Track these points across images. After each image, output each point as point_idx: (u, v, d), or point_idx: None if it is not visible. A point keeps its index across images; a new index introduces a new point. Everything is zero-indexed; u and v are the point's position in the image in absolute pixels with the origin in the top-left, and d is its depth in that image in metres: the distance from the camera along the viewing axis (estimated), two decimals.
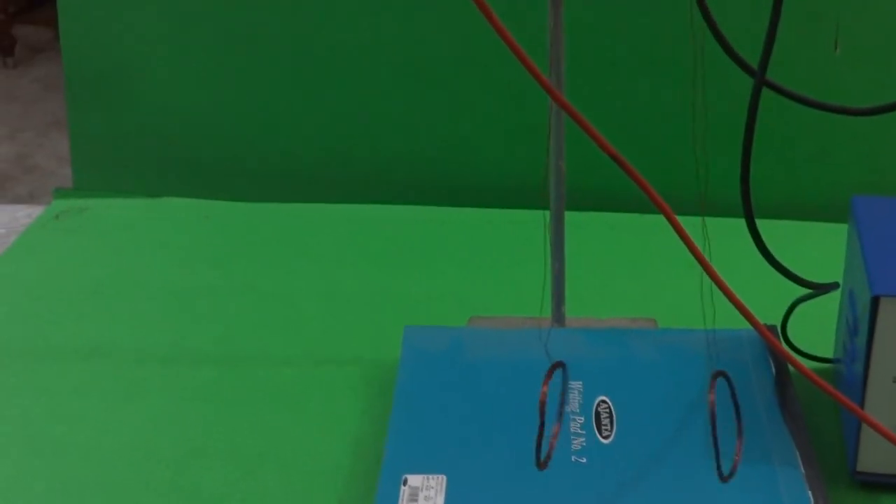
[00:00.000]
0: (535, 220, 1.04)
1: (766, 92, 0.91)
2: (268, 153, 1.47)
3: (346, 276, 1.28)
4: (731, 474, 0.84)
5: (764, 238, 0.96)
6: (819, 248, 1.11)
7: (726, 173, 0.96)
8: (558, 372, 0.87)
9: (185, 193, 1.47)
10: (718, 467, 0.84)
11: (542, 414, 0.83)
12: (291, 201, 1.45)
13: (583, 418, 0.96)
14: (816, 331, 1.07)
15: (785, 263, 0.98)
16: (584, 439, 0.94)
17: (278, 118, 1.45)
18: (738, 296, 0.81)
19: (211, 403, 1.07)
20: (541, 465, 0.84)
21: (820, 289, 0.99)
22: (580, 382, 1.00)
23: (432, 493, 0.89)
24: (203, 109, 1.46)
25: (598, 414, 0.97)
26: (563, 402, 0.88)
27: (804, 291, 1.01)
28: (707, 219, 1.23)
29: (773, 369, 1.02)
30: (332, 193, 1.45)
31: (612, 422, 0.96)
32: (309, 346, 1.15)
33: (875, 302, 0.87)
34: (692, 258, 0.80)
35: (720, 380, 0.84)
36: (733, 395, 0.88)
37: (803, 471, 0.90)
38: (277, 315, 1.21)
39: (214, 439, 1.03)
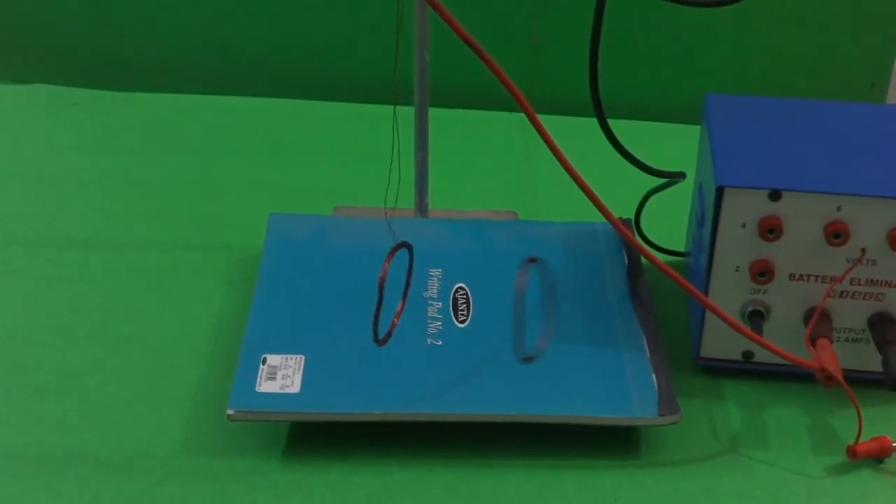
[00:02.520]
0: (408, 116, 1.06)
1: None
2: (142, 43, 1.46)
3: (217, 166, 1.29)
4: (535, 357, 0.87)
5: (620, 137, 0.98)
6: (676, 147, 1.13)
7: (583, 73, 0.98)
8: (405, 254, 0.89)
9: (55, 81, 1.46)
10: (520, 350, 0.87)
11: (381, 290, 0.85)
12: (163, 91, 1.45)
13: (440, 303, 0.99)
14: (669, 226, 1.10)
15: (640, 160, 1.01)
16: (440, 323, 0.97)
17: (155, 7, 1.44)
18: (594, 190, 0.84)
19: (77, 285, 1.08)
20: (379, 342, 0.87)
21: (668, 176, 1.02)
22: (439, 270, 1.03)
23: (290, 371, 0.91)
24: None
25: (455, 300, 0.99)
26: (408, 281, 0.90)
27: (655, 187, 1.04)
28: (569, 118, 1.27)
29: (626, 260, 1.05)
30: (205, 85, 1.45)
31: (469, 307, 0.99)
32: (176, 233, 1.16)
33: (720, 192, 0.90)
34: (551, 154, 0.82)
35: (534, 266, 0.87)
36: (550, 279, 0.91)
37: (649, 356, 0.94)
38: (145, 202, 1.22)
39: (80, 320, 1.04)
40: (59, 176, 1.26)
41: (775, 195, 0.90)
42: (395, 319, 0.88)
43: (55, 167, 1.28)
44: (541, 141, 0.82)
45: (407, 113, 1.05)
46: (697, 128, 1.07)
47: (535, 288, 1.01)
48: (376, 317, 0.86)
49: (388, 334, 0.87)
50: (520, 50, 1.35)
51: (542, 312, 0.98)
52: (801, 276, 0.92)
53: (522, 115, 0.82)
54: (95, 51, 1.47)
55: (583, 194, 0.84)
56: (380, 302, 0.85)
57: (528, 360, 0.93)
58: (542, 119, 0.82)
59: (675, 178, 1.02)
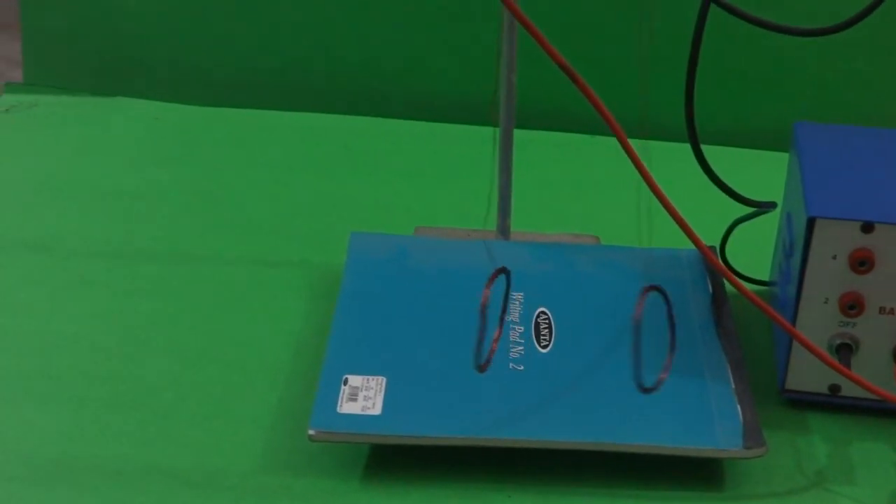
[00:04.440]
0: (486, 136, 1.05)
1: (715, 20, 0.92)
2: (222, 58, 1.47)
3: (296, 182, 1.29)
4: (655, 388, 0.86)
5: (707, 160, 0.98)
6: (762, 175, 1.12)
7: (674, 98, 0.97)
8: (501, 278, 0.88)
9: (137, 94, 1.47)
10: (638, 379, 0.85)
11: (484, 317, 0.84)
12: (244, 107, 1.45)
13: (522, 328, 0.98)
14: (755, 255, 1.09)
15: (731, 187, 1.00)
16: (522, 348, 0.96)
17: (235, 23, 1.45)
18: (682, 216, 0.83)
19: (155, 299, 1.08)
20: (480, 368, 0.86)
21: (758, 206, 1.01)
22: (521, 293, 1.02)
23: (371, 393, 0.90)
24: (159, 10, 1.46)
25: (537, 324, 0.98)
26: (504, 307, 0.90)
27: (744, 215, 1.03)
28: (653, 143, 1.26)
29: (711, 288, 1.04)
30: (284, 101, 1.46)
31: (550, 332, 0.98)
32: (255, 249, 1.16)
33: (810, 223, 0.89)
34: (636, 178, 0.81)
35: (652, 293, 0.86)
36: (669, 309, 0.90)
37: (734, 386, 0.93)
38: (225, 217, 1.22)
39: (157, 334, 1.04)
40: (139, 189, 1.27)
41: (868, 227, 0.88)
42: (494, 345, 0.87)
43: (135, 181, 1.29)
44: (623, 164, 0.81)
45: (486, 133, 1.05)
46: (779, 154, 1.06)
47: (618, 315, 1.00)
48: (479, 343, 0.85)
49: (488, 361, 0.86)
50: (603, 73, 1.34)
51: (626, 340, 0.97)
52: (893, 309, 0.91)
53: (604, 138, 0.82)
54: (177, 65, 1.48)
55: (665, 220, 0.83)
56: (483, 328, 0.84)
57: (609, 388, 0.92)
58: (634, 143, 0.81)
59: (765, 208, 1.01)
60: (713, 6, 0.91)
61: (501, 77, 1.03)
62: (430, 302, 1.00)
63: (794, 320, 0.92)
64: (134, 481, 0.87)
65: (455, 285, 1.02)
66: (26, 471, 0.88)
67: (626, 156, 0.82)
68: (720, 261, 1.06)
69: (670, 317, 0.91)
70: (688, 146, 0.97)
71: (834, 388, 0.94)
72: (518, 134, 1.07)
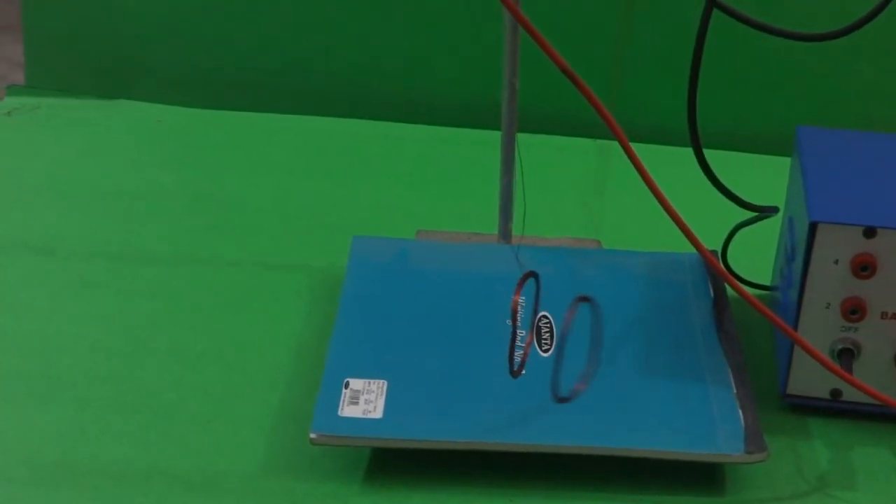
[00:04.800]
0: (487, 140, 1.05)
1: (717, 24, 0.92)
2: (224, 60, 1.47)
3: (298, 185, 1.29)
4: (569, 398, 0.86)
5: (710, 165, 0.98)
6: (765, 179, 1.12)
7: (677, 101, 0.97)
8: (531, 284, 0.88)
9: (139, 96, 1.47)
10: (554, 389, 0.86)
11: (514, 322, 0.85)
12: (246, 110, 1.45)
13: (524, 332, 0.98)
14: (757, 259, 1.09)
15: (733, 191, 1.00)
16: (524, 352, 0.96)
17: (237, 26, 1.45)
18: (684, 220, 0.83)
19: (156, 301, 1.08)
20: (514, 373, 0.86)
21: (760, 211, 1.01)
22: (523, 298, 1.01)
23: (373, 396, 0.90)
24: (161, 13, 1.46)
25: (539, 328, 0.98)
26: (536, 311, 0.90)
27: (745, 220, 1.03)
28: (655, 147, 1.26)
29: (712, 292, 1.04)
30: (286, 104, 1.46)
31: (552, 337, 0.98)
32: (257, 251, 1.16)
33: (812, 228, 0.89)
34: (639, 182, 0.81)
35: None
36: (597, 319, 0.90)
37: (735, 390, 0.93)
38: (227, 220, 1.22)
39: (158, 335, 1.04)
40: (142, 192, 1.27)
41: (870, 232, 0.88)
42: (527, 349, 0.87)
43: (138, 183, 1.29)
44: (623, 168, 0.81)
45: (488, 136, 1.05)
46: (782, 159, 1.06)
47: (619, 319, 1.00)
48: (511, 349, 0.85)
49: (522, 365, 0.86)
50: (605, 76, 1.35)
51: (628, 345, 0.97)
52: (895, 314, 0.91)
53: (606, 142, 0.82)
54: (179, 68, 1.48)
55: (667, 224, 0.83)
56: (514, 334, 0.84)
57: (609, 392, 0.92)
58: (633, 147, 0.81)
59: (767, 212, 1.01)
60: (716, 10, 0.91)
61: (504, 81, 1.03)
62: (432, 305, 1.00)
63: (795, 325, 0.92)
64: (135, 483, 0.87)
65: (456, 289, 1.02)
66: (27, 472, 0.88)
67: (628, 159, 0.82)
68: (722, 265, 1.05)
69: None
70: (690, 150, 0.97)
71: (835, 393, 0.94)
72: (520, 137, 1.07)
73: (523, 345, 0.96)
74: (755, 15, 0.91)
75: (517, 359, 0.88)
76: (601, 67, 1.37)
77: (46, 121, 1.42)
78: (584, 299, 0.87)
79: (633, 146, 0.81)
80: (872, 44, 1.33)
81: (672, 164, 1.07)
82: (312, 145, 1.39)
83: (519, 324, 0.99)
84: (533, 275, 0.87)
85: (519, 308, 1.00)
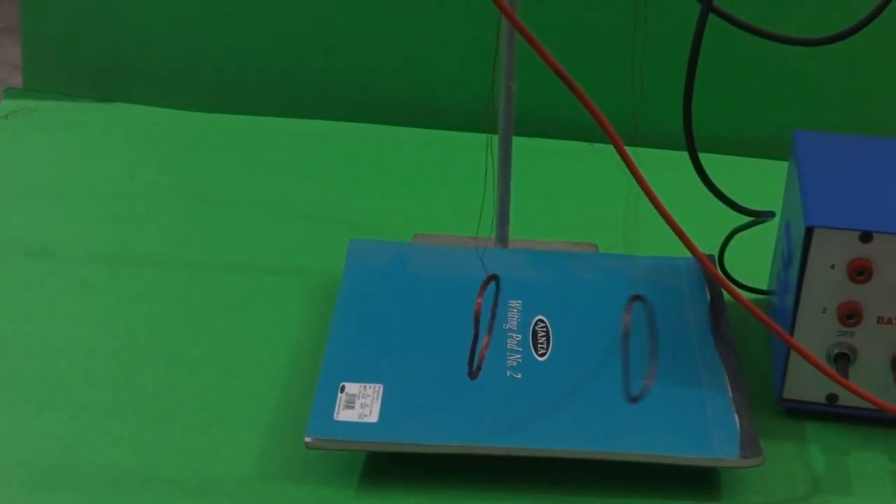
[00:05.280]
0: (486, 144, 1.05)
1: (715, 29, 0.92)
2: (222, 64, 1.47)
3: (295, 188, 1.29)
4: (641, 396, 0.86)
5: (705, 170, 0.97)
6: (762, 184, 1.12)
7: (673, 106, 0.97)
8: (492, 286, 0.88)
9: (137, 100, 1.47)
10: (627, 389, 0.85)
11: (477, 325, 0.84)
12: (244, 113, 1.45)
13: (520, 336, 0.98)
14: (754, 264, 1.09)
15: (728, 196, 0.99)
16: (520, 356, 0.96)
17: (235, 29, 1.45)
18: (679, 225, 0.83)
19: (154, 304, 1.08)
20: (472, 374, 0.86)
21: (757, 216, 1.01)
22: (519, 301, 1.02)
23: (368, 400, 0.90)
24: (159, 16, 1.46)
25: (535, 332, 0.98)
26: (494, 314, 0.90)
27: (742, 224, 1.03)
28: (651, 150, 1.26)
29: (709, 297, 1.04)
30: (284, 107, 1.45)
31: (548, 341, 0.98)
32: (254, 255, 1.16)
33: (809, 232, 0.89)
34: (635, 187, 0.81)
35: (637, 303, 0.86)
36: (651, 318, 0.90)
37: (731, 395, 0.93)
38: (225, 223, 1.22)
39: (155, 339, 1.04)
40: (139, 195, 1.27)
41: (866, 237, 0.88)
42: (484, 351, 0.87)
43: (135, 186, 1.29)
44: (620, 172, 0.81)
45: (486, 140, 1.05)
46: (779, 163, 1.06)
47: (616, 323, 1.00)
48: (472, 352, 0.85)
49: (479, 368, 0.86)
50: (609, 81, 1.34)
51: (627, 351, 0.97)
52: (891, 319, 0.91)
53: (603, 146, 0.82)
54: (176, 71, 1.48)
55: (664, 228, 0.83)
56: (476, 336, 0.84)
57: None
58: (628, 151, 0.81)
59: (763, 217, 1.00)
60: (713, 15, 0.91)
61: (500, 85, 1.03)
62: (428, 309, 1.01)
63: (791, 330, 0.92)
64: (132, 487, 0.88)
65: (453, 293, 1.02)
66: (25, 476, 0.88)
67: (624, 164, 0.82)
68: (718, 270, 1.06)
69: (652, 327, 0.91)
70: (687, 155, 0.97)
71: (832, 398, 0.94)
72: (517, 141, 1.07)
73: (515, 347, 0.96)
74: (754, 20, 0.91)
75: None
76: (597, 71, 1.37)
77: (44, 124, 1.42)
78: (637, 298, 0.87)
79: (629, 150, 0.81)
80: (870, 48, 1.33)
81: (669, 168, 1.07)
82: (310, 148, 1.38)
83: (515, 326, 0.99)
84: (494, 278, 0.87)
85: (516, 312, 1.00)
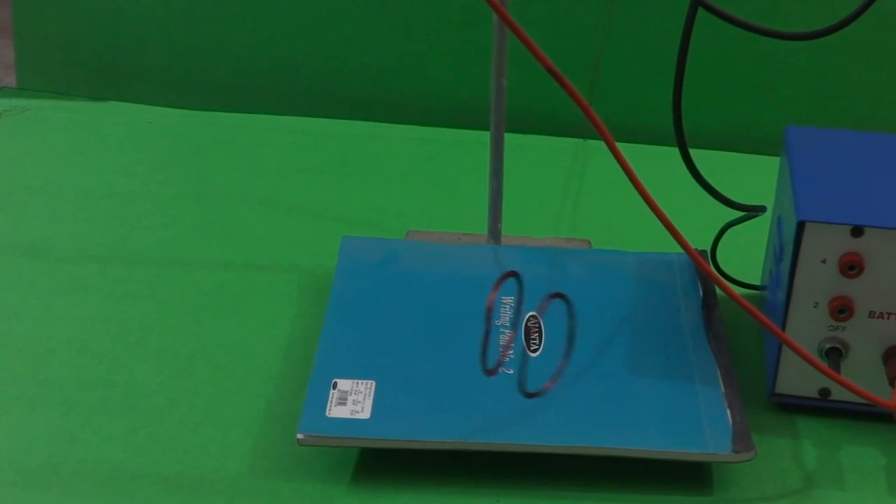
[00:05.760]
0: (478, 140, 1.05)
1: (706, 25, 0.92)
2: (215, 62, 1.47)
3: (289, 186, 1.29)
4: (538, 394, 0.87)
5: (697, 166, 0.97)
6: (755, 179, 1.12)
7: (666, 102, 0.97)
8: (513, 283, 0.88)
9: (130, 98, 1.47)
10: (520, 383, 0.86)
11: (488, 320, 0.84)
12: (237, 111, 1.45)
13: (514, 332, 0.98)
14: (745, 260, 1.09)
15: (719, 191, 0.99)
16: (512, 352, 0.96)
17: (228, 28, 1.45)
18: (671, 220, 0.83)
19: (147, 303, 1.08)
20: (489, 372, 0.86)
21: (748, 210, 1.01)
22: (512, 298, 1.01)
23: (360, 396, 0.90)
24: (152, 14, 1.46)
25: (527, 328, 0.98)
26: (519, 310, 0.90)
27: (734, 219, 1.03)
28: (643, 146, 1.26)
29: (701, 292, 1.04)
30: (277, 105, 1.46)
31: (540, 337, 0.98)
32: (247, 253, 1.16)
33: (800, 227, 0.89)
34: (628, 183, 0.81)
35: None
36: (570, 318, 0.90)
37: (723, 390, 0.93)
38: (217, 221, 1.22)
39: (148, 338, 1.04)
40: (132, 193, 1.27)
41: (857, 231, 0.88)
42: (506, 350, 0.87)
43: (128, 184, 1.29)
44: (613, 168, 0.81)
45: (478, 137, 1.05)
46: (772, 159, 1.06)
47: (608, 319, 1.00)
48: (484, 347, 0.85)
49: (498, 364, 0.86)
50: (592, 76, 1.34)
51: (617, 345, 0.97)
52: (882, 314, 0.91)
53: (597, 142, 0.82)
54: (170, 69, 1.47)
55: (657, 224, 0.83)
56: (487, 332, 0.84)
57: (597, 392, 0.92)
58: (619, 147, 0.81)
59: (754, 211, 1.00)
60: (701, 10, 0.91)
61: (492, 81, 1.03)
62: (420, 306, 1.00)
63: (783, 324, 0.92)
64: (123, 485, 0.87)
65: (445, 289, 1.02)
66: (16, 475, 0.88)
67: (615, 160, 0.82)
68: (710, 265, 1.05)
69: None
70: (678, 150, 0.97)
71: (823, 392, 0.94)
72: (510, 138, 1.07)
73: (513, 345, 0.96)
74: (744, 15, 0.91)
75: (494, 358, 0.87)
76: (588, 67, 1.37)
77: (36, 123, 1.42)
78: (558, 296, 0.87)
79: (621, 146, 0.81)
80: (861, 43, 1.33)
81: (662, 164, 1.07)
82: (302, 146, 1.39)
83: (508, 324, 0.99)
84: (514, 274, 0.87)
85: (508, 308, 1.00)
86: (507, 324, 0.99)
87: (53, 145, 1.37)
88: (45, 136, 1.40)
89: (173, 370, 1.00)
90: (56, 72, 1.49)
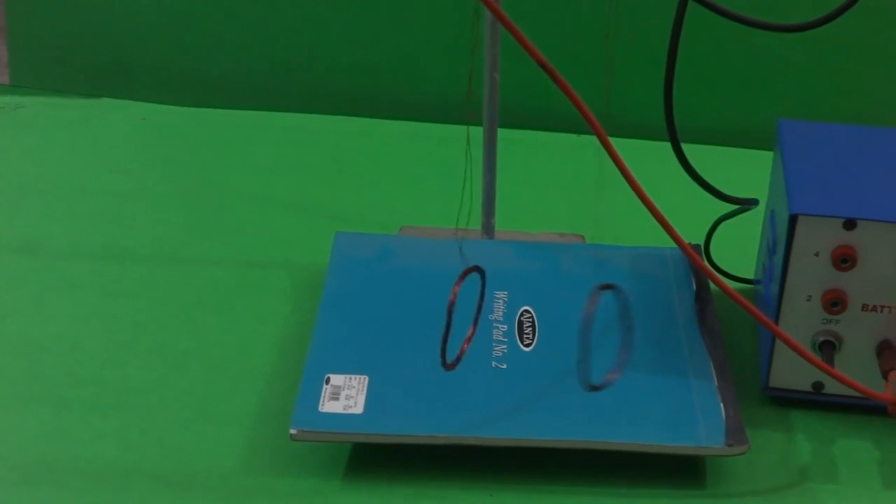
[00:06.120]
0: (472, 136, 1.05)
1: (698, 19, 0.92)
2: (209, 59, 1.46)
3: (282, 183, 1.29)
4: (602, 386, 0.86)
5: (690, 161, 0.97)
6: (748, 173, 1.12)
7: (656, 96, 0.97)
8: (477, 278, 0.88)
9: (123, 95, 1.47)
10: (588, 378, 0.86)
11: (450, 314, 0.84)
12: (230, 108, 1.45)
13: (506, 326, 0.98)
14: (739, 254, 1.09)
15: (712, 185, 0.99)
16: (506, 346, 0.96)
17: (221, 25, 1.45)
18: (664, 215, 0.82)
19: (140, 301, 1.08)
20: (447, 366, 0.85)
21: (741, 203, 1.00)
22: (505, 292, 1.01)
23: (353, 391, 0.90)
24: (145, 12, 1.46)
25: (520, 323, 0.98)
26: (480, 306, 0.89)
27: (727, 213, 1.03)
28: (635, 141, 1.26)
29: (694, 286, 1.04)
30: (270, 102, 1.45)
31: (534, 331, 0.98)
32: (240, 249, 1.16)
33: (793, 220, 0.88)
34: (621, 177, 0.81)
35: (608, 293, 0.86)
36: (624, 308, 0.90)
37: (717, 384, 0.92)
38: (211, 218, 1.22)
39: (140, 335, 1.03)
40: (125, 190, 1.26)
41: (850, 224, 0.88)
42: (465, 345, 0.86)
43: (121, 182, 1.28)
44: (608, 163, 0.81)
45: (473, 132, 1.05)
46: (766, 153, 1.06)
47: (605, 314, 1.00)
48: (444, 341, 0.84)
49: (458, 359, 0.85)
50: (595, 72, 1.34)
51: (611, 340, 0.97)
52: (875, 306, 0.90)
53: (590, 138, 0.82)
54: (163, 66, 1.47)
55: (651, 218, 0.83)
56: (448, 326, 0.84)
57: (594, 387, 0.92)
58: (612, 142, 0.81)
59: (747, 204, 1.00)
60: (692, 3, 0.90)
61: (484, 76, 1.03)
62: (413, 301, 1.00)
63: (777, 318, 0.92)
64: (116, 483, 0.87)
65: (438, 284, 1.02)
66: (8, 472, 0.88)
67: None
68: (704, 259, 1.05)
69: (625, 317, 0.91)
70: (670, 145, 0.97)
71: (817, 386, 0.94)
72: (503, 133, 1.07)
73: (501, 338, 0.96)
74: (741, 9, 0.91)
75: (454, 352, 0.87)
76: (581, 62, 1.37)
77: (30, 120, 1.42)
78: (552, 290, 0.87)
79: (614, 141, 0.81)
80: (853, 37, 1.33)
81: (656, 159, 1.07)
82: (296, 143, 1.38)
83: (501, 317, 0.99)
84: (477, 269, 0.87)
85: (501, 303, 1.00)
86: (501, 318, 0.99)
87: (47, 142, 1.37)
88: (38, 133, 1.39)
89: (167, 367, 1.00)
90: (49, 69, 1.49)
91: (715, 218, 1.03)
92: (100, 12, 1.46)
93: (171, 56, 1.47)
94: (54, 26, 1.48)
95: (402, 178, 1.31)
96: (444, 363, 0.85)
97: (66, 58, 1.49)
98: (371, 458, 0.90)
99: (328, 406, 0.89)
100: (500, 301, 1.00)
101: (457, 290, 0.83)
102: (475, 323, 0.88)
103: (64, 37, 1.48)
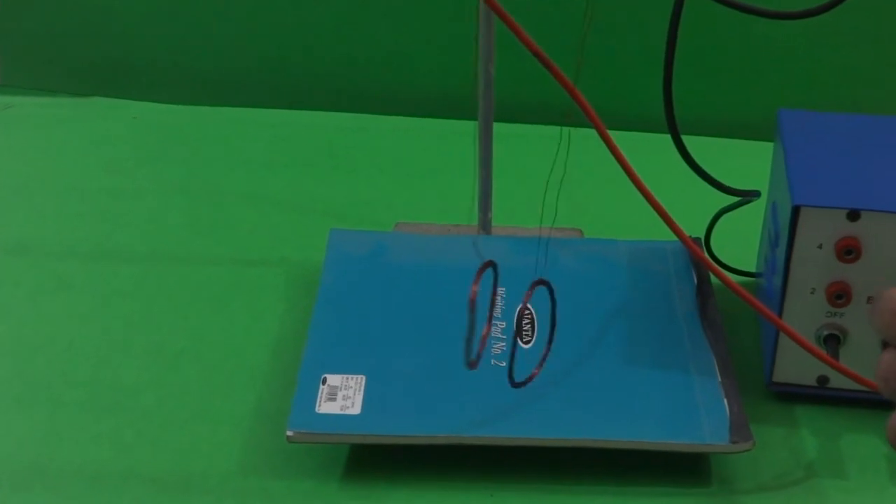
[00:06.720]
0: (467, 131, 1.04)
1: (698, 9, 0.90)
2: (201, 56, 1.45)
3: (276, 180, 1.28)
4: (524, 382, 0.86)
5: (690, 152, 0.96)
6: (750, 165, 1.11)
7: (655, 88, 0.96)
8: (490, 274, 0.86)
9: (115, 93, 1.46)
10: (509, 373, 0.85)
11: (473, 312, 0.82)
12: (223, 105, 1.44)
13: (505, 323, 0.97)
14: (740, 247, 1.07)
15: (713, 177, 0.98)
16: (504, 344, 0.94)
17: (212, 22, 1.44)
18: (664, 208, 0.81)
19: (134, 300, 1.07)
20: (470, 365, 0.84)
21: (742, 195, 0.99)
22: (504, 289, 1.00)
23: (350, 392, 0.89)
24: (136, 11, 1.44)
25: (520, 320, 0.97)
26: (493, 303, 0.88)
27: (728, 205, 1.02)
28: (635, 133, 1.25)
29: (695, 280, 1.02)
30: (264, 98, 1.44)
31: (533, 328, 0.96)
32: (235, 247, 1.15)
33: (795, 211, 0.87)
34: (620, 171, 0.80)
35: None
36: (553, 302, 0.88)
37: (720, 379, 0.91)
38: (204, 216, 1.20)
39: (135, 335, 1.02)
40: (117, 189, 1.25)
41: (854, 215, 0.87)
42: (483, 341, 0.85)
43: (113, 180, 1.27)
44: (605, 156, 0.80)
45: (467, 127, 1.04)
46: (767, 144, 1.05)
47: (602, 309, 0.98)
48: (469, 340, 0.82)
49: (478, 357, 0.83)
50: (594, 64, 1.33)
51: (610, 335, 0.96)
52: None
53: (585, 130, 0.81)
54: (155, 64, 1.46)
55: (650, 212, 0.81)
56: (472, 325, 0.82)
57: (592, 383, 0.91)
58: (611, 134, 0.80)
59: (749, 196, 0.99)
60: None
61: (480, 69, 1.02)
62: (410, 298, 0.99)
63: (780, 311, 0.91)
64: (111, 485, 0.86)
65: (435, 281, 1.01)
66: (1, 475, 0.87)
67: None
68: (705, 252, 1.04)
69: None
70: (670, 137, 0.96)
71: (822, 380, 0.93)
72: (499, 127, 1.06)
73: (500, 335, 0.95)
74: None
75: (485, 351, 0.86)
76: (577, 54, 1.36)
77: (20, 119, 1.41)
78: (547, 285, 0.86)
79: (613, 134, 0.80)
80: (854, 26, 1.32)
81: (655, 151, 1.05)
82: (289, 139, 1.37)
83: (500, 314, 0.98)
84: (492, 264, 0.85)
85: (500, 299, 0.99)
86: (500, 314, 0.98)
87: (37, 142, 1.36)
88: (28, 132, 1.38)
89: (161, 368, 0.98)
90: (39, 68, 1.48)
91: (714, 210, 1.02)
92: (89, 11, 1.45)
93: (162, 54, 1.46)
94: (44, 25, 1.46)
95: (396, 174, 1.30)
96: (467, 362, 0.83)
97: (56, 57, 1.47)
98: (369, 458, 0.88)
99: (325, 407, 0.87)
100: (499, 297, 0.99)
101: (475, 287, 0.81)
102: (489, 321, 0.87)
103: (54, 36, 1.47)
